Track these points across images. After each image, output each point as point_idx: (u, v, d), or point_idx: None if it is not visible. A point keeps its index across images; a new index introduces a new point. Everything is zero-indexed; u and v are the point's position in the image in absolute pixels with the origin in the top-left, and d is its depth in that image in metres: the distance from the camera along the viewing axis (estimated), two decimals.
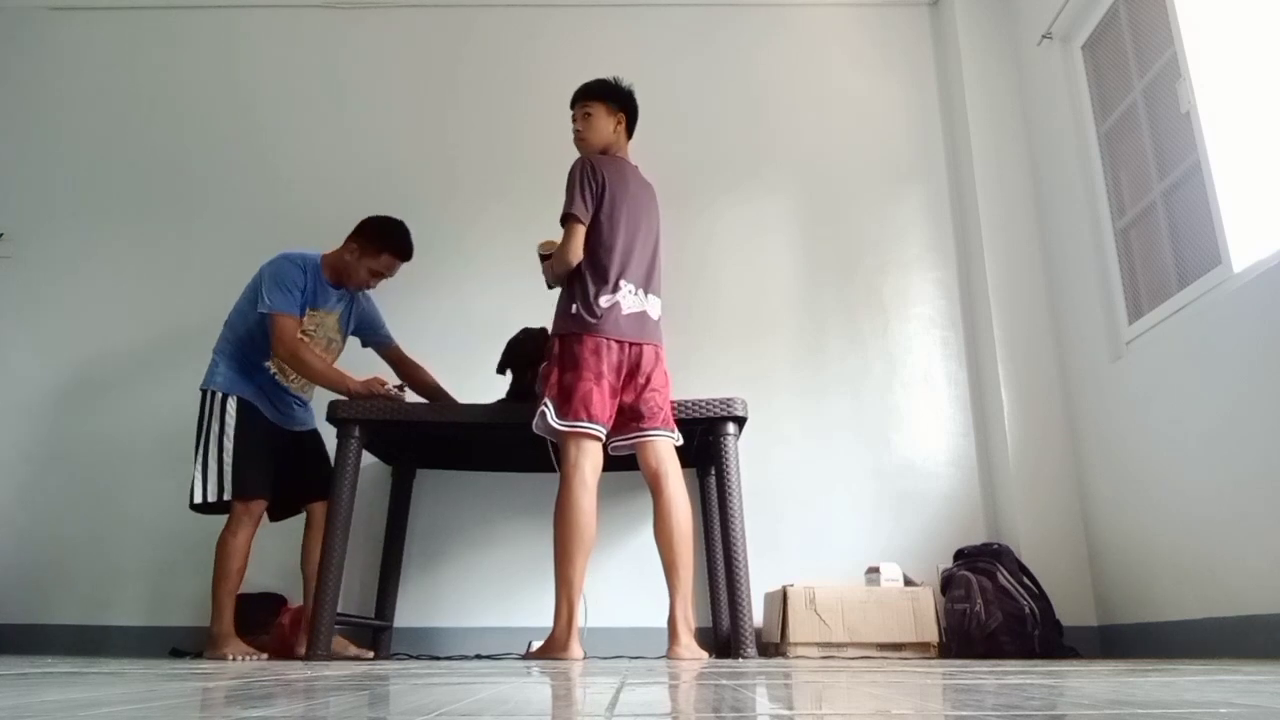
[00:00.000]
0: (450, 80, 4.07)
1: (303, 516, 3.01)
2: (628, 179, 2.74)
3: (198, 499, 2.76)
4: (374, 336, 3.18)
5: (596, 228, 2.64)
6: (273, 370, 2.92)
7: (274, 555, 3.15)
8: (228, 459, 2.76)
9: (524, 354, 2.94)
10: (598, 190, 2.65)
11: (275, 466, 2.85)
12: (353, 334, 3.14)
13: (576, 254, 2.61)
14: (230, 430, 2.78)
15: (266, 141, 3.97)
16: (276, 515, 2.98)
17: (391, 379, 3.02)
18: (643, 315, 2.63)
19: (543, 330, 2.92)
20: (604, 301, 2.58)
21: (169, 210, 3.87)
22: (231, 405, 2.82)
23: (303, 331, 2.88)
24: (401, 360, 3.18)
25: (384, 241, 2.97)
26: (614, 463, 2.66)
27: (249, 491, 2.77)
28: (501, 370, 2.99)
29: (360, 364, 3.10)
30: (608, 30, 4.14)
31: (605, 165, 2.71)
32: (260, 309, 2.83)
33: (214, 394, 2.84)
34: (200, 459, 2.79)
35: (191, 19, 4.16)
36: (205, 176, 3.92)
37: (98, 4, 4.15)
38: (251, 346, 2.89)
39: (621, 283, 2.61)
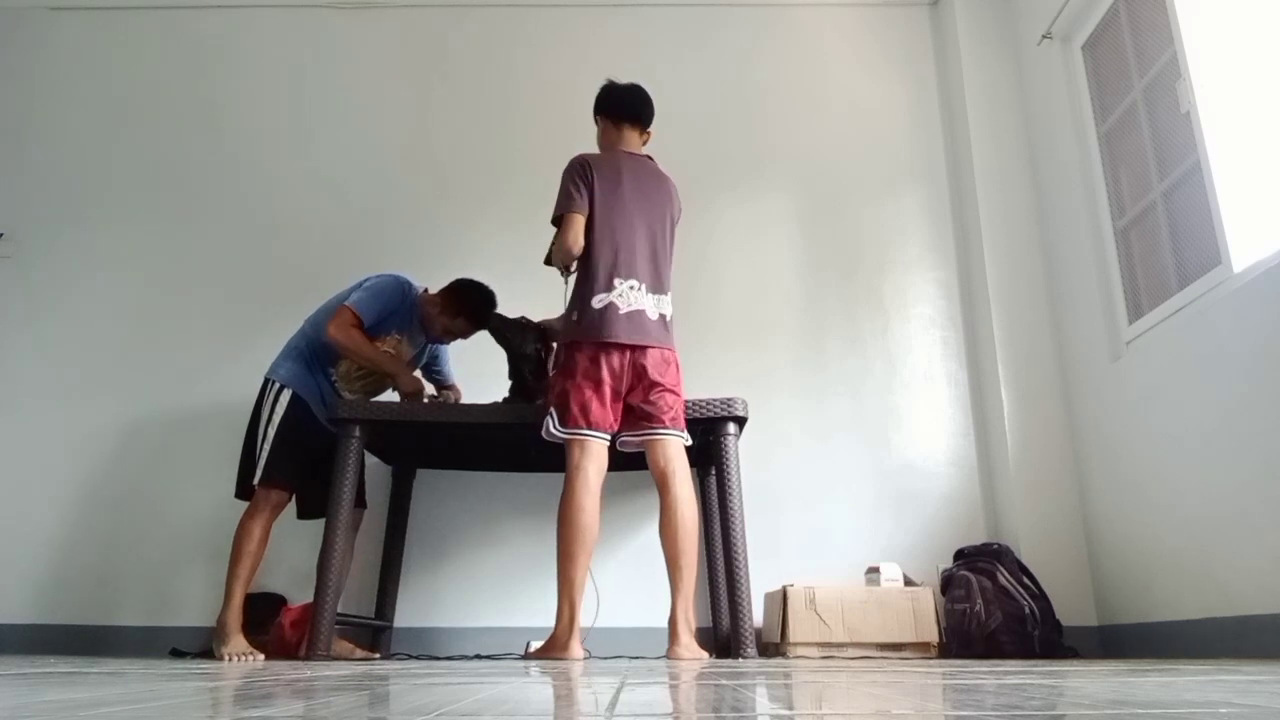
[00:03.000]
0: (448, 80, 4.07)
1: (319, 523, 3.00)
2: (621, 172, 2.69)
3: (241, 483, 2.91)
4: (437, 374, 3.33)
5: (588, 225, 2.62)
6: (335, 377, 2.98)
7: (274, 556, 3.14)
8: (266, 446, 2.84)
9: (511, 347, 2.97)
10: (589, 180, 2.65)
11: (309, 464, 2.90)
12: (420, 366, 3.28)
13: (576, 242, 2.60)
14: (276, 420, 2.87)
15: (266, 141, 3.97)
16: (304, 513, 3.02)
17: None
18: (641, 314, 2.58)
19: (523, 321, 2.96)
20: (596, 303, 2.56)
21: (169, 210, 3.87)
22: (284, 397, 2.90)
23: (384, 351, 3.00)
24: (449, 389, 3.32)
25: (463, 307, 3.07)
26: (618, 463, 2.66)
27: (272, 479, 2.83)
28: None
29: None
30: (606, 29, 4.14)
31: (598, 161, 2.70)
32: (345, 300, 2.94)
33: (273, 383, 2.94)
34: (246, 444, 2.92)
35: (191, 19, 4.16)
36: (204, 176, 3.92)
37: (97, 4, 4.15)
38: (323, 349, 2.96)
39: (616, 281, 2.58)
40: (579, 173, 2.66)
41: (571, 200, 2.62)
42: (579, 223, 2.61)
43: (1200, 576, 2.61)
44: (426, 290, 3.12)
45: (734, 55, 4.09)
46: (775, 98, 4.02)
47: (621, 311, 2.55)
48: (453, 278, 3.14)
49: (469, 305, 3.07)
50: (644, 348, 2.56)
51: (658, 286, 2.66)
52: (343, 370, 2.97)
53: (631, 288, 2.59)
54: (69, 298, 3.74)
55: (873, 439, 3.55)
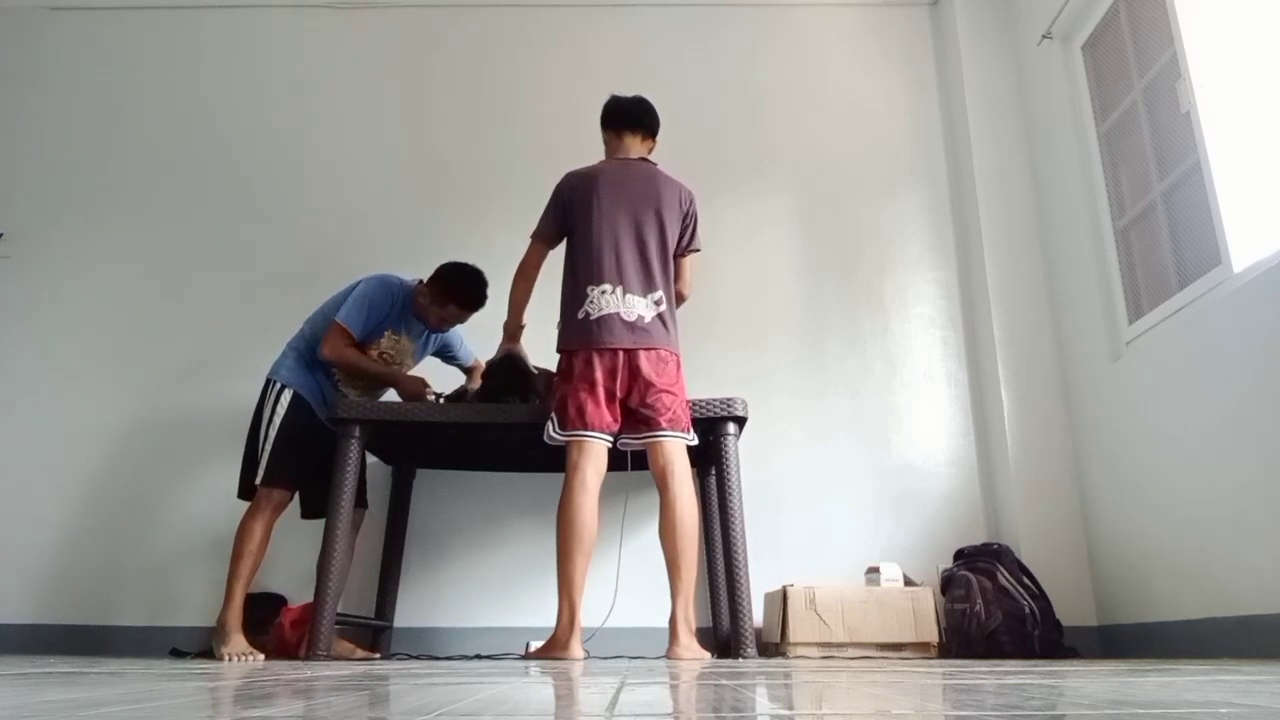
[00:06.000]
0: (448, 80, 4.07)
1: (319, 523, 3.00)
2: (599, 179, 2.71)
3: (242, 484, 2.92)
4: (453, 360, 3.34)
5: (571, 238, 2.72)
6: (337, 375, 2.99)
7: (275, 556, 3.14)
8: (268, 446, 2.85)
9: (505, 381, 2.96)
10: (563, 203, 2.73)
11: (312, 464, 2.90)
12: (432, 355, 3.27)
13: (523, 268, 2.75)
14: (278, 420, 2.87)
15: (266, 141, 3.97)
16: (308, 513, 3.02)
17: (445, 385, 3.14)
18: (615, 318, 2.57)
19: (508, 360, 2.93)
20: (575, 313, 2.61)
21: (168, 210, 3.87)
22: (286, 397, 2.91)
23: (379, 352, 3.01)
24: (472, 371, 3.32)
25: (451, 292, 3.05)
26: (619, 463, 2.66)
27: (274, 479, 2.84)
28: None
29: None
30: (606, 29, 4.14)
31: (576, 175, 2.76)
32: (337, 306, 2.96)
33: (274, 384, 2.95)
34: (248, 444, 2.92)
35: (191, 19, 4.16)
36: (204, 176, 3.92)
37: (98, 4, 4.15)
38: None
39: (589, 289, 2.61)
40: (553, 197, 2.77)
41: (539, 224, 2.76)
42: (532, 250, 2.76)
43: (1200, 576, 2.61)
44: (421, 282, 3.10)
45: (734, 55, 4.09)
46: (775, 98, 4.02)
47: (594, 318, 2.58)
48: None
49: (455, 289, 3.04)
50: (635, 350, 2.57)
51: (645, 285, 2.64)
52: (343, 372, 2.98)
53: (604, 293, 2.61)
54: (69, 298, 3.74)
55: (873, 439, 3.55)
